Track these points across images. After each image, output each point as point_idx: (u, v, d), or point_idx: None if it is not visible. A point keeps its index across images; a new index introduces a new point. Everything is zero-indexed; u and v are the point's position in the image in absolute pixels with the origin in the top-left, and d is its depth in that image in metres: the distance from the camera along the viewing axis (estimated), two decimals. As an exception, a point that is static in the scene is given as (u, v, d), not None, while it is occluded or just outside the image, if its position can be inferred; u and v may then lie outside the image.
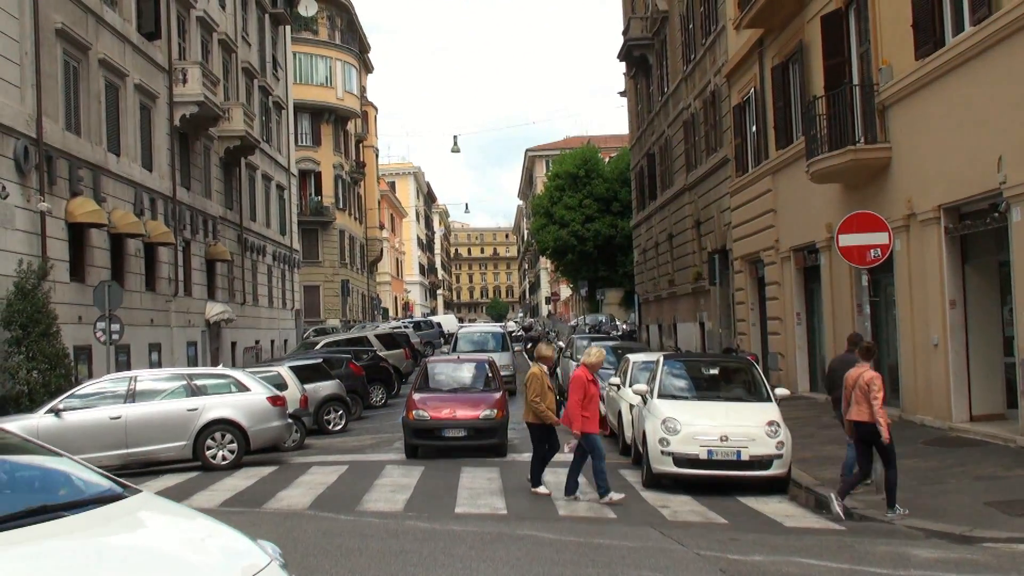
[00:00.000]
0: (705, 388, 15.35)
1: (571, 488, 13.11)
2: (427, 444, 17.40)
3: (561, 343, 38.50)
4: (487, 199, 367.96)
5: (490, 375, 19.32)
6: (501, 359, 28.46)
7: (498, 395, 18.09)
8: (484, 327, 42.03)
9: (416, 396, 18.01)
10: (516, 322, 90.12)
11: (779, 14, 23.50)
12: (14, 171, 21.02)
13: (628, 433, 16.49)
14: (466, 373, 19.53)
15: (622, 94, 53.92)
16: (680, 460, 13.36)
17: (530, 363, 41.02)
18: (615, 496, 12.68)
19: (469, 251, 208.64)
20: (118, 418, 16.30)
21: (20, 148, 21.10)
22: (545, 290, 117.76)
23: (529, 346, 48.81)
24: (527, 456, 17.35)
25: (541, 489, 13.47)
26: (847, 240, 13.03)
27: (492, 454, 17.27)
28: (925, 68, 16.51)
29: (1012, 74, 13.93)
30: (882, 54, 18.42)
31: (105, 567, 4.33)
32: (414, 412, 17.34)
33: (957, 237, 16.51)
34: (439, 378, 19.27)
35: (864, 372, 11.56)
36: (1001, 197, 14.51)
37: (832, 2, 20.47)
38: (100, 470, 5.69)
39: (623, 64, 49.10)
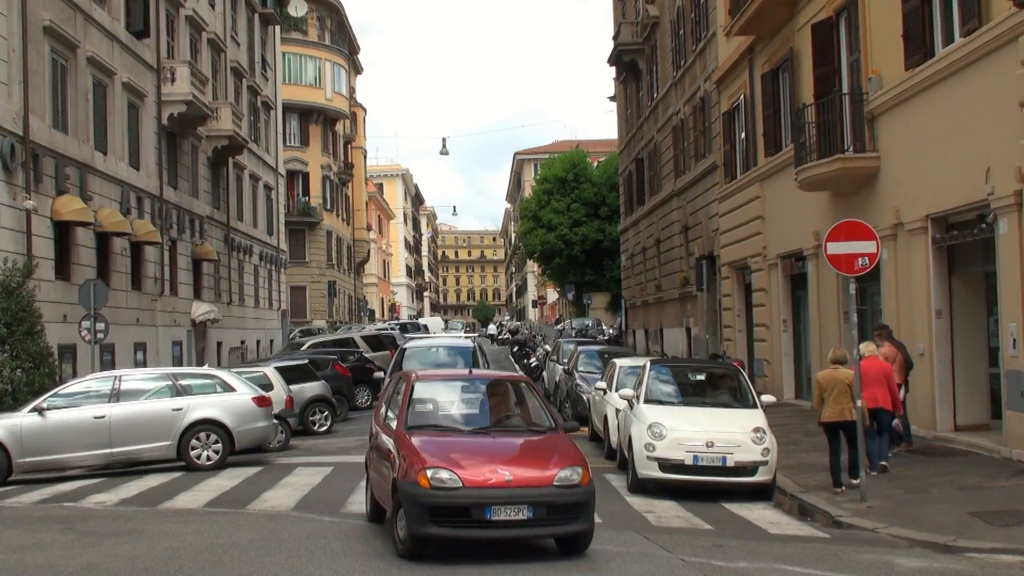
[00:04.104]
0: (691, 394, 15.37)
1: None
2: (457, 535, 9.35)
3: (548, 347, 38.48)
4: (475, 202, 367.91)
5: (531, 399, 11.39)
6: None
7: (567, 440, 10.48)
8: (445, 340, 27.37)
9: (419, 441, 9.90)
10: (502, 324, 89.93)
11: (770, 22, 23.55)
12: (0, 168, 20.92)
13: (614, 438, 16.48)
14: (485, 397, 11.51)
15: (612, 99, 54.02)
16: (666, 465, 13.38)
17: (516, 368, 40.97)
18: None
19: (456, 254, 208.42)
20: (102, 417, 16.21)
21: (6, 146, 21.00)
22: (532, 294, 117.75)
23: (516, 349, 48.74)
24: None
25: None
26: (835, 248, 13.04)
27: (568, 552, 9.71)
28: (914, 78, 16.58)
29: (1001, 86, 13.99)
30: (872, 64, 18.49)
31: None
32: (429, 472, 9.27)
33: (944, 247, 16.58)
34: (446, 409, 11.13)
35: None
36: (988, 208, 14.58)
37: (823, 11, 20.53)
38: None
39: (613, 69, 49.18)
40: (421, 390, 11.11)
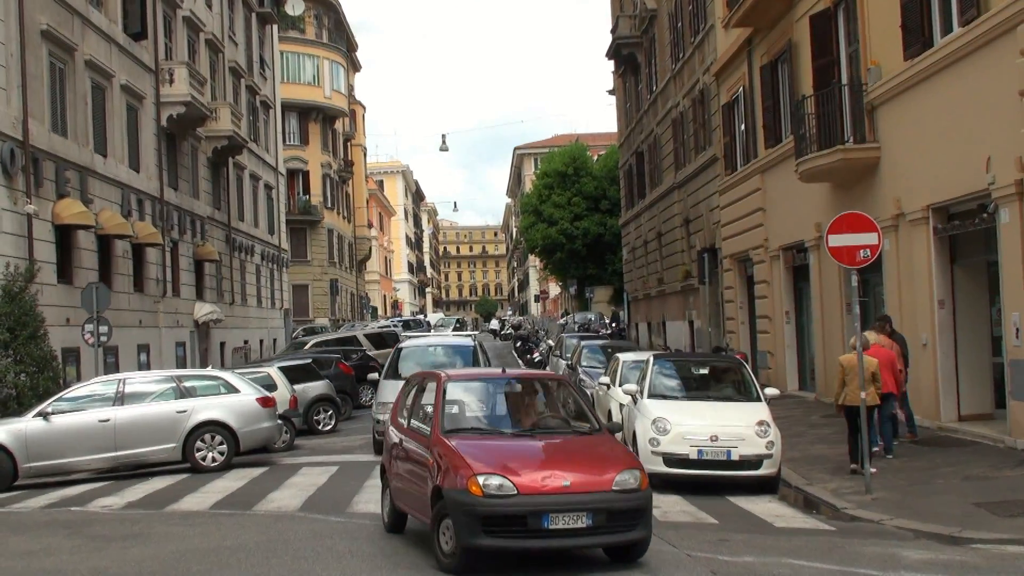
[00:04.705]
0: (695, 388, 15.37)
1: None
2: (512, 546, 8.74)
3: (551, 341, 38.52)
4: (475, 197, 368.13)
5: (569, 398, 11.00)
6: None
7: (615, 441, 10.38)
8: (443, 339, 25.97)
9: (462, 446, 9.26)
10: (504, 319, 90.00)
11: (768, 13, 23.50)
12: (0, 173, 20.94)
13: (618, 434, 16.47)
14: (521, 397, 10.97)
15: (611, 92, 53.93)
16: (670, 460, 13.40)
17: (520, 363, 41.00)
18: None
19: (458, 249, 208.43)
20: (107, 421, 16.24)
21: (6, 150, 21.00)
22: (534, 288, 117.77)
23: (519, 345, 48.78)
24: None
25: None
26: (836, 240, 13.03)
27: (619, 560, 9.29)
28: (914, 69, 16.54)
29: (1000, 75, 13.96)
30: (871, 54, 18.45)
31: None
32: (480, 479, 8.69)
33: (946, 237, 16.55)
34: (474, 411, 10.42)
35: None
36: (989, 198, 14.56)
37: (821, 2, 20.49)
38: None
39: (612, 62, 49.11)
40: (453, 391, 10.34)
